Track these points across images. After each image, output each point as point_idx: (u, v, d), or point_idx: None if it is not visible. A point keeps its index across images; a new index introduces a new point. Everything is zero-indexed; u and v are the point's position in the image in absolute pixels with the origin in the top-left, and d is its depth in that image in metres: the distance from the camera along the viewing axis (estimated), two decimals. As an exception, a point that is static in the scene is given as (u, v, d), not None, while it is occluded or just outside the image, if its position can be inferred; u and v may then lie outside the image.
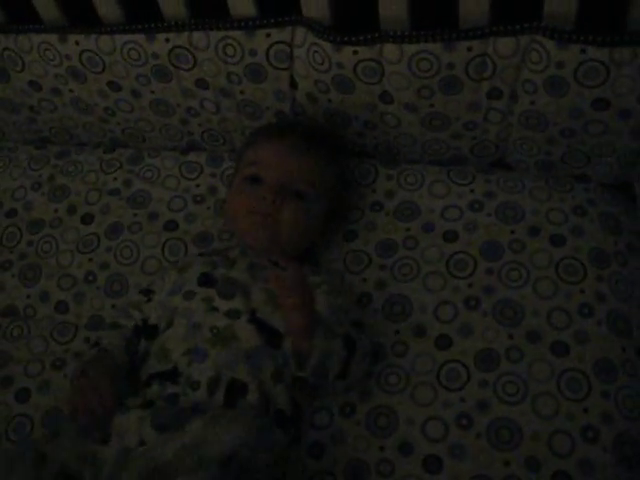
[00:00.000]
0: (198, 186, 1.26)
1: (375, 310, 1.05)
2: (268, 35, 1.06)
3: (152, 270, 1.17)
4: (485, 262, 1.06)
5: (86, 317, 1.15)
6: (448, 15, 0.98)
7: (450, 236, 1.10)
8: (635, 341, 0.97)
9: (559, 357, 0.96)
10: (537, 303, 1.01)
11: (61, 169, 1.34)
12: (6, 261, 1.23)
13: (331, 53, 1.03)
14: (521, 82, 1.00)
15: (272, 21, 1.06)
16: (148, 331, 1.01)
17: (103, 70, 1.18)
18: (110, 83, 1.20)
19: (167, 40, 1.11)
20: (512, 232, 1.08)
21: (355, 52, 1.02)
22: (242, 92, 1.14)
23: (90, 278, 1.19)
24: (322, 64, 1.05)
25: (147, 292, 1.08)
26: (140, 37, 1.12)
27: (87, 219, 1.25)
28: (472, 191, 1.14)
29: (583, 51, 0.93)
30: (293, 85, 1.12)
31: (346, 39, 1.02)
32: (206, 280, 1.02)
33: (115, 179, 1.30)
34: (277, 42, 1.06)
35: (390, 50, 1.00)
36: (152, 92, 1.19)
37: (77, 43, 1.15)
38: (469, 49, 0.98)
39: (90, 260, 1.21)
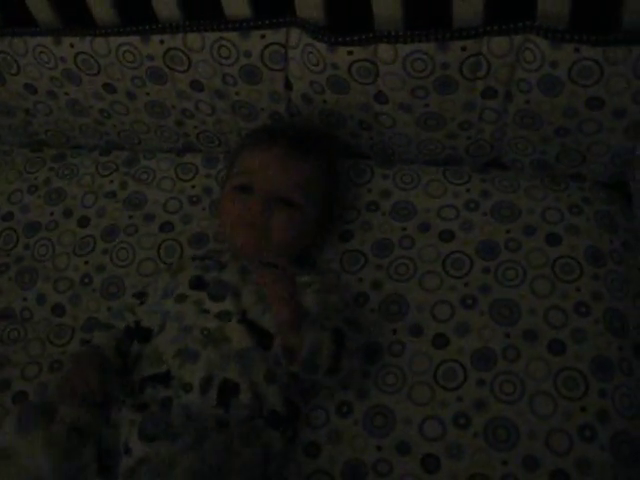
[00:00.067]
0: (193, 187, 1.26)
1: (372, 310, 1.05)
2: (263, 36, 1.06)
3: (148, 272, 1.17)
4: (481, 261, 1.06)
5: (82, 319, 1.15)
6: (442, 15, 0.98)
7: (446, 236, 1.10)
8: (632, 339, 0.97)
9: (556, 356, 0.96)
10: (533, 302, 1.01)
11: (57, 172, 1.34)
12: (2, 264, 1.23)
13: (326, 54, 1.03)
14: (515, 81, 1.00)
15: (267, 22, 1.06)
16: (141, 334, 1.01)
17: (98, 72, 1.18)
18: (105, 85, 1.20)
19: (162, 42, 1.11)
20: (508, 231, 1.08)
21: (350, 52, 1.02)
22: (237, 93, 1.15)
23: (86, 280, 1.19)
24: (317, 65, 1.05)
25: (140, 295, 1.09)
26: (135, 39, 1.12)
27: (83, 222, 1.25)
28: (468, 191, 1.14)
29: (577, 50, 0.93)
30: (288, 86, 1.12)
31: (340, 40, 1.02)
32: (198, 283, 1.02)
33: (111, 182, 1.30)
34: (272, 43, 1.07)
35: (384, 50, 1.00)
36: (147, 94, 1.19)
37: (72, 45, 1.15)
38: (463, 49, 0.98)
39: (86, 263, 1.20)
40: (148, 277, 1.16)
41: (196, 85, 1.15)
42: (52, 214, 1.28)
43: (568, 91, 0.97)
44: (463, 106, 1.05)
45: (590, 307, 0.99)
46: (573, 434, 0.90)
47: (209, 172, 1.28)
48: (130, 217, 1.24)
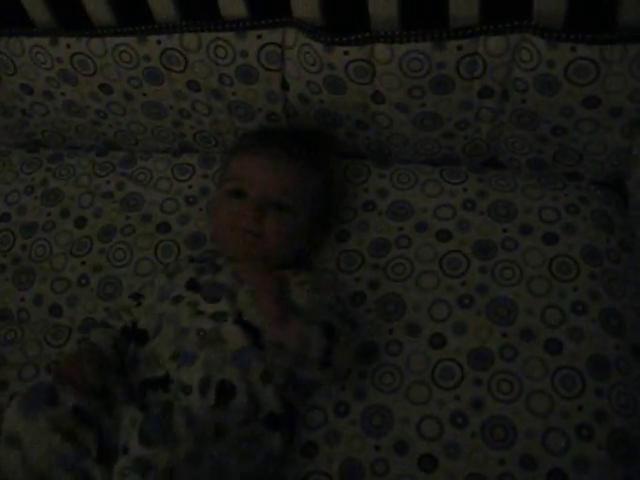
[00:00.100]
0: (190, 187, 1.26)
1: (369, 309, 1.05)
2: (259, 36, 1.06)
3: (145, 272, 1.17)
4: (478, 261, 1.06)
5: (79, 320, 1.15)
6: (438, 15, 0.98)
7: (443, 235, 1.10)
8: (628, 338, 0.97)
9: (553, 355, 0.96)
10: (530, 301, 1.01)
11: (54, 173, 1.33)
12: (-1, 265, 1.23)
13: (322, 54, 1.03)
14: (512, 81, 1.00)
15: (263, 22, 1.06)
16: (137, 335, 1.01)
17: (95, 73, 1.17)
18: (102, 86, 1.20)
19: (158, 42, 1.11)
20: (505, 231, 1.09)
21: (346, 52, 1.02)
22: (234, 93, 1.14)
23: (83, 281, 1.18)
24: (313, 65, 1.05)
25: (137, 296, 1.09)
26: (131, 39, 1.12)
27: (80, 222, 1.25)
28: (465, 190, 1.14)
29: (573, 49, 0.93)
30: (285, 86, 1.12)
31: (337, 40, 1.02)
32: (193, 285, 1.02)
33: (108, 182, 1.30)
34: (268, 43, 1.06)
35: (381, 50, 1.00)
36: (144, 94, 1.19)
37: (68, 46, 1.15)
38: (459, 48, 0.98)
39: (83, 263, 1.20)
40: (145, 277, 1.16)
41: (193, 85, 1.15)
42: (49, 215, 1.28)
43: (565, 90, 0.97)
44: (460, 106, 1.05)
45: (587, 306, 0.99)
46: (570, 433, 0.91)
47: (206, 172, 1.28)
48: (127, 217, 1.24)
